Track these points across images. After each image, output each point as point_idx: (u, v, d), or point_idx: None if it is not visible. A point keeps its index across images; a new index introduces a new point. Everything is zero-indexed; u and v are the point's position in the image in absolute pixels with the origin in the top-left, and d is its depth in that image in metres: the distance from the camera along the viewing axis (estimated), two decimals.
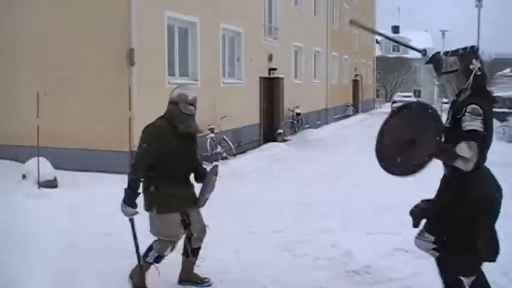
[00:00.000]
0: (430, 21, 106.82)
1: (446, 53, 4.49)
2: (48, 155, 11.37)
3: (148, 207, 5.19)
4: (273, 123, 20.53)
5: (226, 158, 15.26)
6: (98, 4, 12.40)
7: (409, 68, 66.39)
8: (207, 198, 5.37)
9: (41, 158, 10.89)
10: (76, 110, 12.63)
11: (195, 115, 5.27)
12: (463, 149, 3.93)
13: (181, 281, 5.58)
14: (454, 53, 4.38)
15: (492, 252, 4.20)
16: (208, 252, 5.49)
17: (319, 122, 27.74)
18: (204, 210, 5.46)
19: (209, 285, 5.60)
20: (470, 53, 4.34)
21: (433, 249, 4.36)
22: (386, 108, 46.50)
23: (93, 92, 12.41)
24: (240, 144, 17.10)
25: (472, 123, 3.99)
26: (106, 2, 12.36)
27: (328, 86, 30.02)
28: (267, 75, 19.99)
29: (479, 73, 4.27)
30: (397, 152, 4.20)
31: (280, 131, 20.55)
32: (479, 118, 4.01)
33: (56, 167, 11.37)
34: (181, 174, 5.30)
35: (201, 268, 5.52)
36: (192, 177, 5.43)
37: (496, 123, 15.91)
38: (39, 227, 8.00)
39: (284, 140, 20.26)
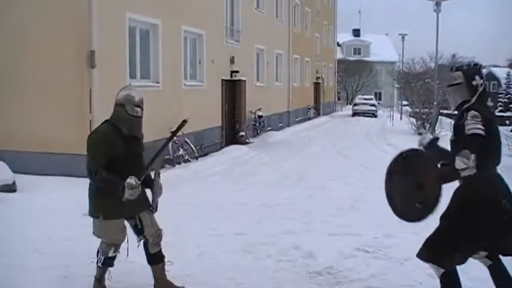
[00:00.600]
0: (391, 25, 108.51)
1: (451, 69, 4.82)
2: (7, 159, 11.17)
3: (94, 213, 5.09)
4: (235, 125, 20.53)
5: (188, 160, 15.21)
6: (57, 4, 12.21)
7: (370, 70, 67.24)
8: (157, 202, 5.27)
9: None
10: (36, 113, 12.42)
11: (141, 117, 5.18)
12: (458, 163, 4.21)
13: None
14: (459, 68, 4.69)
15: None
16: (171, 255, 5.45)
17: (281, 125, 27.84)
18: (165, 213, 5.44)
19: None
20: (473, 69, 4.66)
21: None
22: (348, 111, 47.14)
23: (52, 94, 12.22)
24: (202, 147, 17.05)
25: (472, 127, 4.27)
26: (66, 2, 12.19)
27: (290, 89, 30.15)
28: (229, 77, 19.99)
29: (481, 88, 4.58)
30: (413, 201, 4.46)
31: (242, 133, 20.56)
32: (479, 121, 4.28)
33: (15, 171, 11.16)
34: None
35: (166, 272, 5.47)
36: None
37: None
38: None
39: (246, 143, 20.27)
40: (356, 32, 75.88)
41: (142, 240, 5.26)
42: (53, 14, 12.21)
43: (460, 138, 4.37)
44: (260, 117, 23.60)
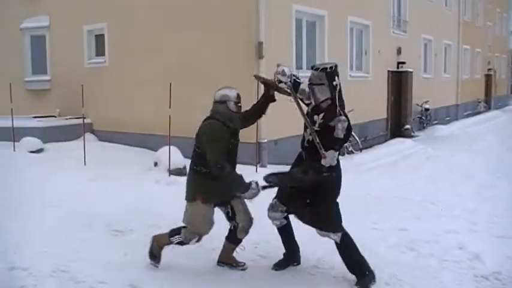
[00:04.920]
0: None
1: (313, 67, 5.59)
2: (179, 144, 11.82)
3: (192, 197, 5.55)
4: (401, 118, 20.11)
5: (352, 152, 15.14)
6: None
7: None
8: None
9: (171, 147, 11.34)
10: (205, 102, 12.95)
11: (239, 113, 5.70)
12: (331, 157, 5.24)
13: (219, 261, 5.92)
14: (323, 70, 5.44)
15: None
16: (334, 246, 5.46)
17: (448, 118, 26.81)
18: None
19: (243, 270, 5.84)
20: (333, 72, 5.45)
21: None
22: None
23: (222, 84, 12.68)
24: (366, 138, 16.89)
25: (340, 132, 5.21)
26: None
27: (458, 81, 28.90)
28: (395, 68, 19.60)
29: (339, 88, 5.45)
30: None
31: (408, 126, 20.09)
32: (344, 128, 5.22)
33: (186, 156, 11.78)
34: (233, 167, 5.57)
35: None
36: None
37: None
38: (167, 211, 8.36)
39: (411, 136, 19.78)
40: None
41: (233, 225, 5.71)
42: (223, 7, 12.70)
43: (325, 134, 5.27)
44: (427, 110, 22.91)
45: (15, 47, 18.17)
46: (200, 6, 13.18)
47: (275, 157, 12.41)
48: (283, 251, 5.96)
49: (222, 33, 12.75)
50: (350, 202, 9.05)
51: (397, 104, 19.94)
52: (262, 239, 6.62)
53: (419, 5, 22.19)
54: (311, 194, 5.39)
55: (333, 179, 5.41)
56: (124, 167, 12.21)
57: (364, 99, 16.34)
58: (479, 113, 33.04)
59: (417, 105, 21.88)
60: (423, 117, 22.87)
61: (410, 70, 20.30)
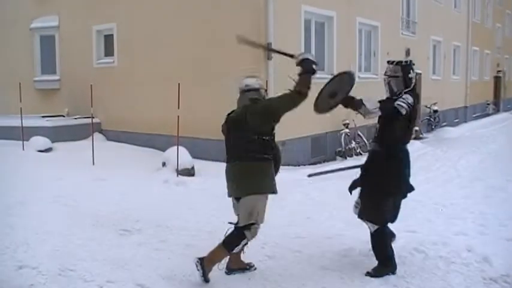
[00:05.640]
0: None
1: (390, 62, 6.01)
2: (187, 145, 11.85)
3: (262, 189, 5.46)
4: None
5: (360, 153, 15.11)
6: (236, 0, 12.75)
7: None
8: None
9: (180, 147, 11.37)
10: (213, 103, 13.03)
11: None
12: (372, 102, 5.59)
13: (229, 270, 5.75)
14: (398, 63, 5.89)
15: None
16: (345, 246, 5.45)
17: (457, 120, 26.73)
18: (336, 205, 5.45)
19: (255, 269, 5.81)
20: (409, 65, 5.88)
21: None
22: None
23: (230, 85, 12.71)
24: None
25: (400, 103, 5.47)
26: None
27: (467, 83, 28.80)
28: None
29: (414, 81, 5.82)
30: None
31: (416, 128, 20.01)
32: (408, 103, 5.50)
33: (194, 157, 11.83)
34: None
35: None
36: None
37: None
38: (176, 212, 8.40)
39: (420, 138, 19.75)
40: None
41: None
42: (232, 8, 12.72)
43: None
44: (435, 111, 22.84)
45: (24, 47, 18.26)
46: (209, 6, 13.21)
47: (283, 158, 12.36)
48: (290, 251, 5.96)
49: (231, 34, 12.67)
50: None
51: None
52: (270, 240, 6.62)
53: (428, 6, 22.14)
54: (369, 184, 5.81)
55: (388, 169, 5.70)
56: (132, 167, 12.25)
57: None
58: (488, 115, 32.93)
59: (426, 106, 21.83)
60: (432, 119, 22.81)
61: (419, 72, 20.23)
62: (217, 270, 5.64)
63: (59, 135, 14.86)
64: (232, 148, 5.66)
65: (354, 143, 15.00)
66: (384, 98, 5.89)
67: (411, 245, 6.77)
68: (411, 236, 7.24)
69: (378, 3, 17.25)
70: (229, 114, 5.90)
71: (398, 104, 5.47)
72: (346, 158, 14.35)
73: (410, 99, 5.55)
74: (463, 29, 28.01)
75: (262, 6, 12.19)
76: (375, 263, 5.88)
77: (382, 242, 5.81)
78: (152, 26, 14.58)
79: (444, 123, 24.04)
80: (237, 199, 5.56)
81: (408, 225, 7.75)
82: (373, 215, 5.76)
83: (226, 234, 5.55)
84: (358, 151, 15.13)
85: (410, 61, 6.00)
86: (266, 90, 5.86)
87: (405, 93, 5.67)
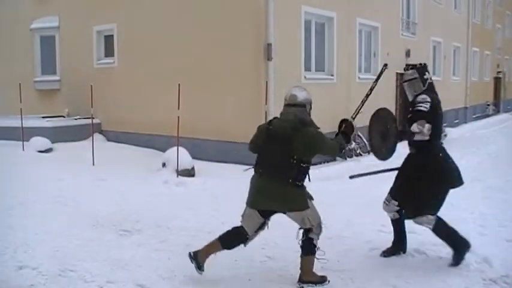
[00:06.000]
0: None
1: (406, 68, 6.48)
2: (187, 145, 11.85)
3: (304, 204, 5.37)
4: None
5: (360, 154, 15.11)
6: (236, 1, 12.76)
7: None
8: None
9: (180, 148, 11.37)
10: (213, 103, 13.07)
11: None
12: (413, 127, 5.83)
13: (301, 281, 5.48)
14: (413, 67, 6.35)
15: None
16: (344, 248, 5.45)
17: (457, 121, 26.72)
18: (335, 205, 5.45)
19: (328, 283, 5.51)
20: (423, 67, 6.34)
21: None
22: None
23: (230, 86, 12.77)
24: None
25: (419, 106, 5.92)
26: None
27: (467, 84, 28.80)
28: (403, 71, 19.52)
29: (430, 81, 6.28)
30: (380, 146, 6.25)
31: None
32: (427, 102, 5.91)
33: (194, 157, 11.84)
34: None
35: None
36: None
37: None
38: (176, 212, 8.41)
39: None
40: None
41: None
42: (232, 9, 12.73)
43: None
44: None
45: (25, 47, 18.27)
46: (209, 7, 13.21)
47: None
48: (291, 252, 5.97)
49: (231, 35, 12.77)
50: (359, 204, 9.08)
51: (405, 106, 19.85)
52: (270, 241, 6.62)
53: (429, 7, 22.16)
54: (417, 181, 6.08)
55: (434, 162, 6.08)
56: (132, 167, 12.26)
57: (373, 102, 16.27)
58: (488, 116, 32.92)
59: None
60: None
61: None
62: (218, 270, 5.65)
63: (59, 135, 14.87)
64: (268, 163, 5.42)
65: (353, 143, 14.98)
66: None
67: (412, 246, 6.76)
68: (412, 237, 7.21)
69: (378, 4, 17.25)
70: (267, 125, 5.58)
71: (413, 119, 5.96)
72: (346, 158, 14.35)
73: (426, 98, 5.98)
74: (463, 30, 28.01)
75: (262, 7, 12.20)
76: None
77: (446, 229, 6.14)
78: (152, 26, 14.59)
79: (444, 124, 23.91)
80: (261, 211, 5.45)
81: (408, 226, 7.72)
82: (431, 207, 6.11)
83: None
84: (358, 152, 15.12)
85: (425, 64, 6.44)
86: (311, 105, 5.53)
87: (419, 94, 6.11)
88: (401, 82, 6.42)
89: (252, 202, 5.43)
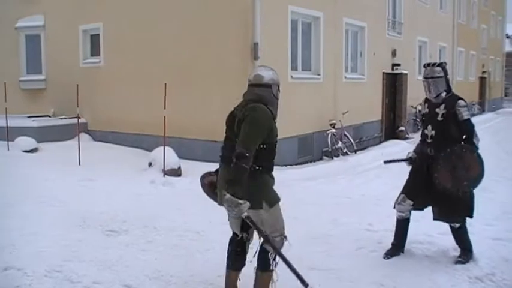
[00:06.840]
0: None
1: (433, 64, 6.27)
2: (173, 145, 11.83)
3: (256, 204, 4.39)
4: (395, 120, 20.15)
5: (346, 153, 15.15)
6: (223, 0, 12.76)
7: None
8: None
9: (166, 148, 11.34)
10: (199, 103, 13.04)
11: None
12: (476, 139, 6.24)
13: None
14: (440, 65, 6.23)
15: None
16: (330, 247, 5.45)
17: None
18: (321, 205, 5.45)
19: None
20: (446, 65, 6.28)
21: None
22: None
23: (217, 85, 12.74)
24: (361, 140, 16.91)
25: (466, 113, 6.09)
26: None
27: (453, 83, 28.94)
28: (390, 70, 19.64)
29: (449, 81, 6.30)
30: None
31: (402, 128, 20.13)
32: (467, 109, 6.04)
33: (181, 157, 11.81)
34: (274, 161, 4.72)
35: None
36: None
37: None
38: (163, 212, 8.38)
39: (406, 138, 19.79)
40: None
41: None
42: (219, 8, 12.72)
43: (451, 121, 6.07)
44: (421, 112, 22.89)
45: (10, 46, 18.14)
46: (196, 6, 13.19)
47: None
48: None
49: (218, 34, 12.76)
50: (345, 204, 9.11)
51: (391, 105, 19.98)
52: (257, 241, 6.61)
53: (415, 8, 22.26)
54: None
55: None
56: (118, 167, 12.21)
57: (359, 101, 16.37)
58: (473, 115, 32.97)
59: (412, 107, 21.89)
60: (417, 119, 22.87)
61: (405, 72, 20.34)
62: (206, 269, 5.63)
63: (44, 135, 14.77)
64: (228, 149, 4.66)
65: (340, 143, 15.02)
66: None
67: None
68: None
69: (365, 4, 17.30)
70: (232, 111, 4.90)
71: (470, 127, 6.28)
72: (332, 158, 14.38)
73: (465, 104, 6.17)
74: (448, 30, 28.18)
75: (249, 6, 12.19)
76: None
77: (467, 233, 6.31)
78: (139, 25, 14.54)
79: None
80: None
81: (394, 225, 7.78)
82: (466, 210, 6.29)
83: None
84: (344, 151, 15.16)
85: (445, 62, 6.49)
86: (279, 87, 4.77)
87: (454, 98, 6.15)
88: (427, 77, 6.17)
89: (219, 198, 4.76)
